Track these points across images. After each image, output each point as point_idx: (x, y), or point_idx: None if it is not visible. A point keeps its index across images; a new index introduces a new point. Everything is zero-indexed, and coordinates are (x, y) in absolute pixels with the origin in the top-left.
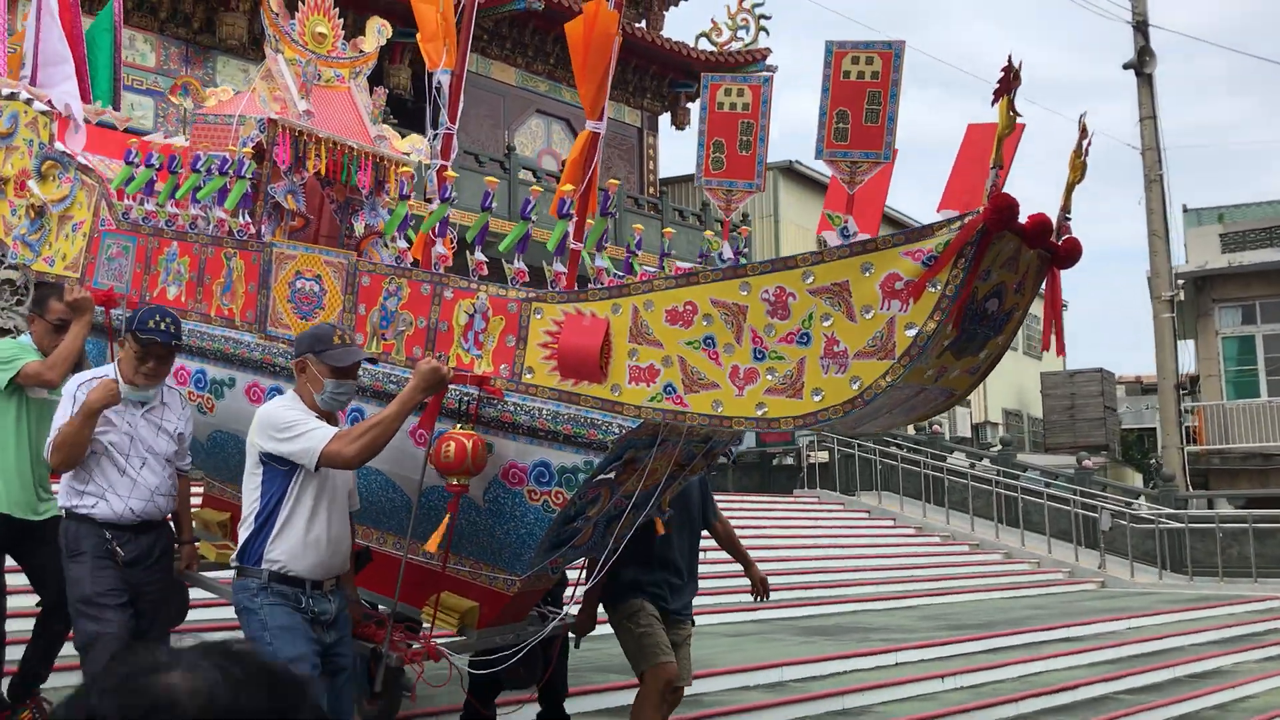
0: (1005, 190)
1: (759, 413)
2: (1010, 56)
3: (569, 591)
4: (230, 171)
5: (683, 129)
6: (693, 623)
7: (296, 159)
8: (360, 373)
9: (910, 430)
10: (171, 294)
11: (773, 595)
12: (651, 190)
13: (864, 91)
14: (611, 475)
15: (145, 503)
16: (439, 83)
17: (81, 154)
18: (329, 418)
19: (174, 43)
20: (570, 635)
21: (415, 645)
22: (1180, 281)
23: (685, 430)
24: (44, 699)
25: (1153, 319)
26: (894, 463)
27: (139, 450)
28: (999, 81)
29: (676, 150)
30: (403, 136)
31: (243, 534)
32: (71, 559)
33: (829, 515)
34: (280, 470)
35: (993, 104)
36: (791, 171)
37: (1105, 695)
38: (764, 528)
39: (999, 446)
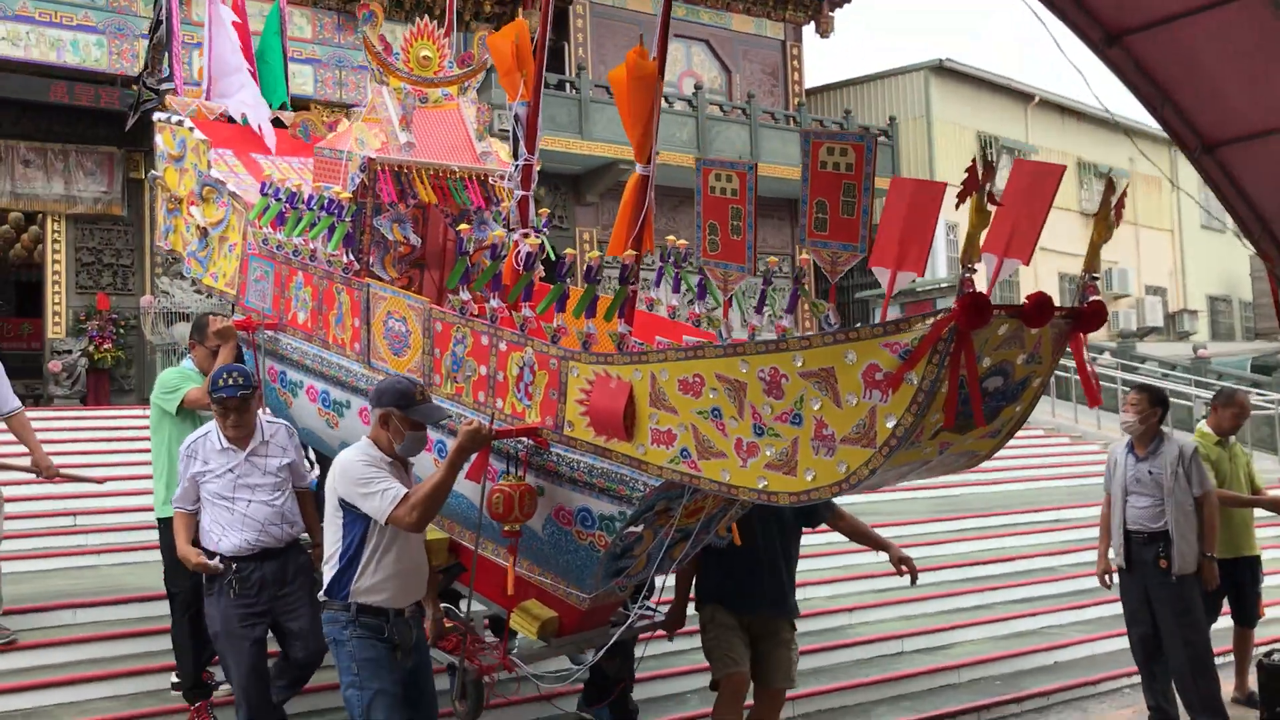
0: (976, 287)
1: (760, 485)
2: (974, 160)
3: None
4: (336, 212)
5: (827, 37)
6: (792, 625)
7: (400, 192)
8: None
9: None
10: (300, 319)
11: None
12: (796, 101)
13: (840, 183)
14: (643, 525)
15: (258, 534)
16: (517, 114)
17: (236, 175)
18: (404, 463)
19: (326, 14)
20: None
21: (489, 659)
22: None
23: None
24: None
25: None
26: None
27: (243, 492)
28: (964, 183)
29: (817, 60)
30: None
31: (329, 572)
32: (206, 596)
33: None
34: (359, 514)
35: (957, 207)
36: (942, 69)
37: None
38: None
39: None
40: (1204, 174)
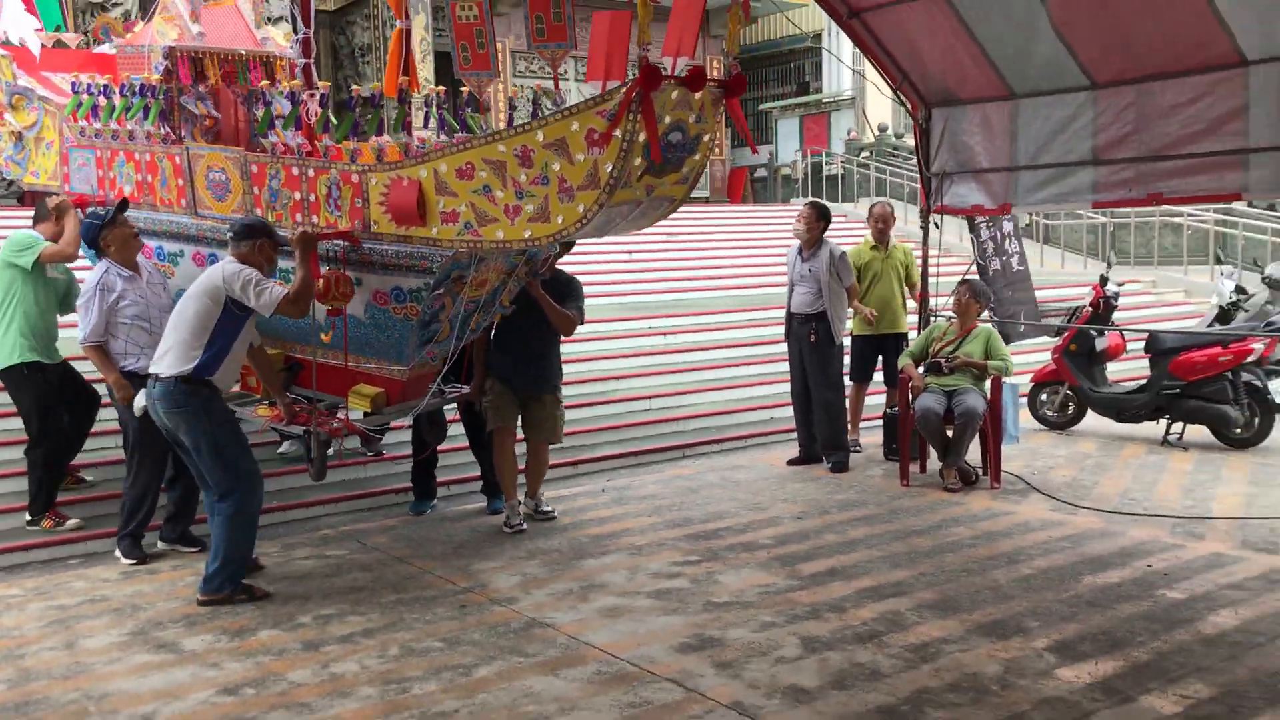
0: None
1: (526, 235)
2: None
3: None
4: (148, 94)
5: None
6: (552, 399)
7: (197, 74)
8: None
9: None
10: (128, 191)
11: None
12: None
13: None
14: (442, 290)
15: None
16: None
17: (39, 85)
18: None
19: None
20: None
21: (336, 424)
22: None
23: (485, 254)
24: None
25: None
26: None
27: (155, 313)
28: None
29: None
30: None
31: (191, 358)
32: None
33: None
34: (240, 313)
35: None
36: None
37: None
38: None
39: None
40: (852, 34)
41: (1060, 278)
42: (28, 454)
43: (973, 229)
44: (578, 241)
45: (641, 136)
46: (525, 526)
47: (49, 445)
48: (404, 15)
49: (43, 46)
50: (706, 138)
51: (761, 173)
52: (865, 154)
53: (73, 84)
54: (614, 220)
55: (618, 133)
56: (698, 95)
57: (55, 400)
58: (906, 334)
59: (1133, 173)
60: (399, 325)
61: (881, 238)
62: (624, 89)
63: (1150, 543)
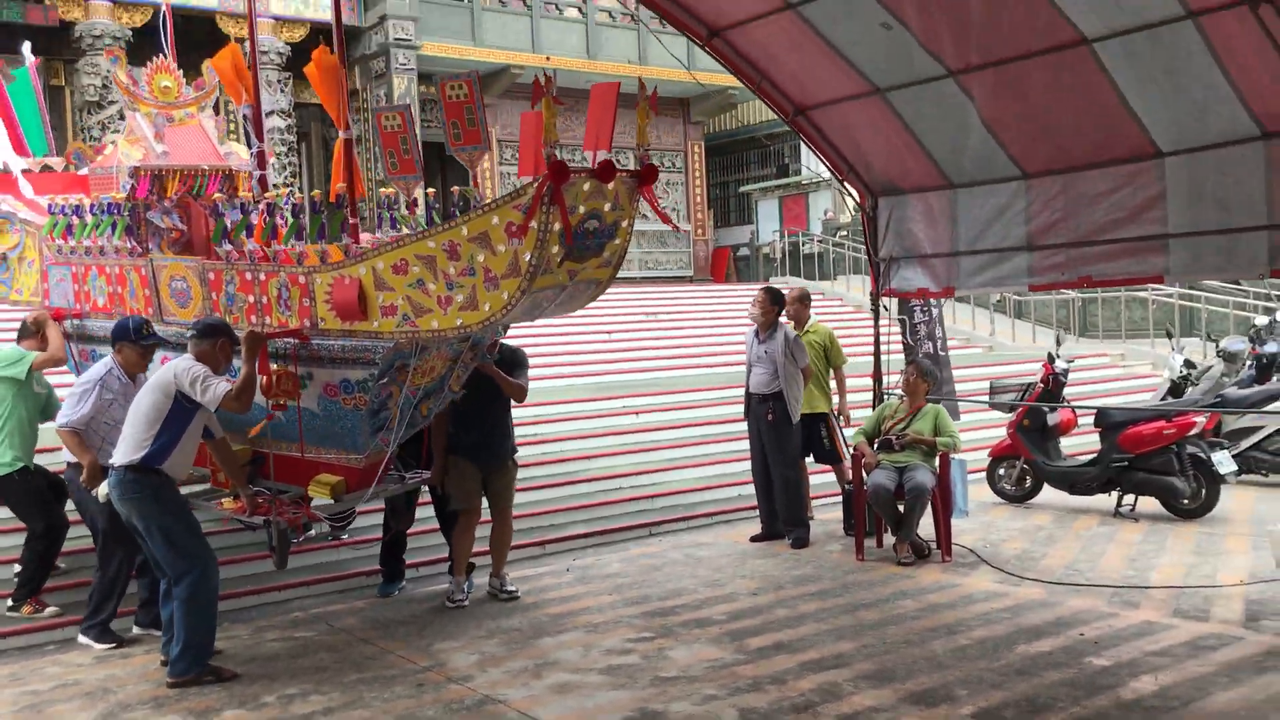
0: (559, 157)
1: (458, 324)
2: (539, 76)
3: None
4: (114, 211)
5: None
6: (512, 464)
7: (160, 190)
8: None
9: None
10: (100, 303)
11: None
12: None
13: (462, 108)
14: (387, 379)
15: None
16: (245, 114)
17: (24, 207)
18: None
19: None
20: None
21: (294, 513)
22: None
23: (424, 343)
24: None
25: None
26: None
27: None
28: (533, 93)
29: None
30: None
31: (142, 448)
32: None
33: None
34: (190, 406)
35: (533, 107)
36: None
37: None
38: None
39: None
40: (800, 131)
41: (1031, 351)
42: (30, 545)
43: (904, 312)
44: (537, 323)
45: (557, 226)
46: (467, 602)
47: (53, 539)
48: (345, 126)
49: (28, 172)
50: (625, 223)
51: (744, 251)
52: (842, 233)
53: (49, 205)
54: (541, 304)
55: (533, 224)
56: (610, 185)
57: (51, 495)
58: (828, 414)
59: (1064, 257)
60: (350, 415)
61: (798, 320)
62: (535, 184)
63: (1086, 612)
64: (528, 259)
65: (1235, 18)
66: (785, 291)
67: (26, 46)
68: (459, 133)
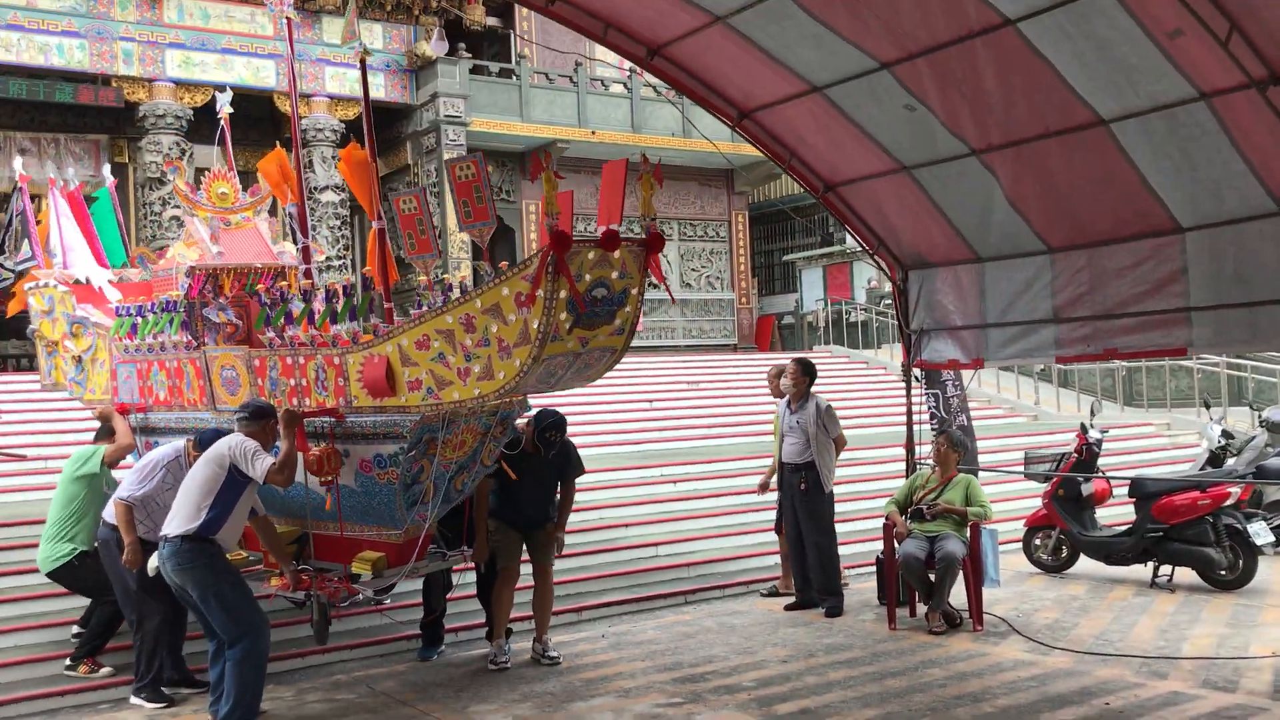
0: (561, 227)
1: (476, 394)
2: (536, 153)
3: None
4: (172, 309)
5: None
6: (552, 525)
7: (214, 288)
8: None
9: None
10: (162, 397)
11: None
12: None
13: (472, 186)
14: (416, 452)
15: None
16: (290, 213)
17: (95, 313)
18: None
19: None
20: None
21: (334, 587)
22: None
23: (451, 414)
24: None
25: None
26: None
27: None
28: (531, 169)
29: None
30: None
31: (196, 518)
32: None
33: None
34: (241, 479)
35: (532, 180)
36: None
37: None
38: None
39: None
40: (830, 206)
41: (1075, 420)
42: (103, 608)
43: (935, 385)
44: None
45: (564, 294)
46: (509, 664)
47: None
48: (377, 217)
49: (111, 282)
50: (634, 291)
51: (789, 320)
52: (886, 302)
53: (116, 309)
54: (555, 372)
55: (540, 293)
56: (615, 254)
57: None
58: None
59: (1090, 329)
60: (384, 490)
61: (781, 395)
62: (539, 255)
63: (1114, 681)
64: (536, 326)
65: (1245, 99)
66: (811, 362)
67: (106, 169)
68: (469, 210)
